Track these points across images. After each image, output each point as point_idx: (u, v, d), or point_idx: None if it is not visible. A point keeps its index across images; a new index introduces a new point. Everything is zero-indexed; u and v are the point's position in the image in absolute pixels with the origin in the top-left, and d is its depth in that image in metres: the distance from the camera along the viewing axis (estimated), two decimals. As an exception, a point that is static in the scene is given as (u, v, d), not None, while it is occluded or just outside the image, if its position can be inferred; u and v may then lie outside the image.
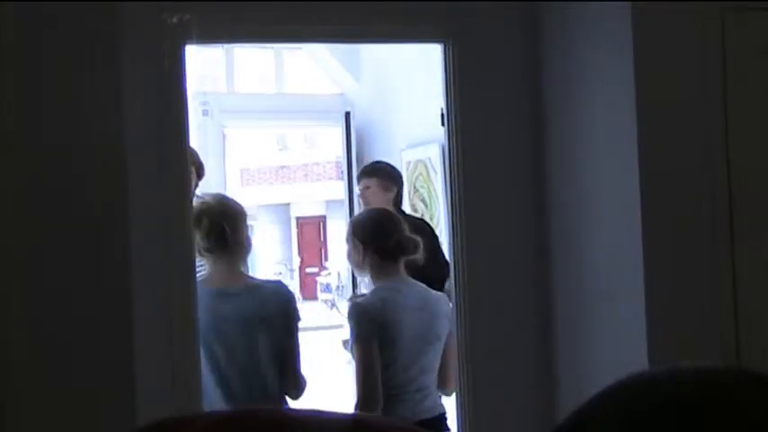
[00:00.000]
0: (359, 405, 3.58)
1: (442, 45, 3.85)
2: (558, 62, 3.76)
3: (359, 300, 3.81)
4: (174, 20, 3.48)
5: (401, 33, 3.96)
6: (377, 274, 3.78)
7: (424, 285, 3.87)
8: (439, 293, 3.98)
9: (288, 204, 27.52)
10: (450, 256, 3.93)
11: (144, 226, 3.31)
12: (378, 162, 5.91)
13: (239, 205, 3.85)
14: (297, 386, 3.67)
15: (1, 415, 3.00)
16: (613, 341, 3.45)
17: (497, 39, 3.83)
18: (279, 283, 4.09)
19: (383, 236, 3.78)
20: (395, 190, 5.34)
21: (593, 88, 3.54)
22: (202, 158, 4.54)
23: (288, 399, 3.69)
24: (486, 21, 3.81)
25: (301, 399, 3.72)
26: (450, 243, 3.96)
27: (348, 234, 3.86)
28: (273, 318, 3.62)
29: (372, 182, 5.32)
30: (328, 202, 24.92)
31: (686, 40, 3.35)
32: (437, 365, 3.80)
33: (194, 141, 5.29)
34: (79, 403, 3.08)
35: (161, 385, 3.33)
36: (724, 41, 3.34)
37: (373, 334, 3.60)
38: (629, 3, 3.30)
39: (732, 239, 3.34)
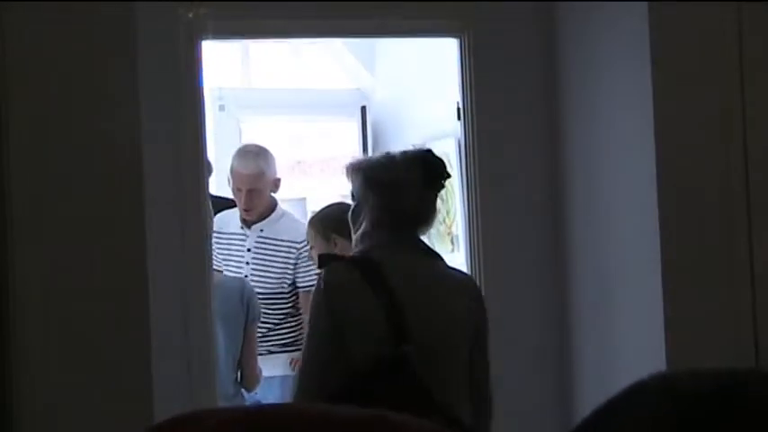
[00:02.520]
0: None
1: (458, 39, 3.84)
2: (574, 55, 3.74)
3: None
4: (190, 15, 3.48)
5: (416, 27, 3.95)
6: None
7: None
8: None
9: (304, 199, 27.54)
10: (465, 250, 3.92)
11: (160, 220, 3.32)
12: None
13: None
14: (250, 381, 3.88)
15: (11, 409, 3.02)
16: (632, 336, 3.44)
17: (513, 33, 3.82)
18: (241, 279, 4.14)
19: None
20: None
21: (610, 81, 3.52)
22: (219, 154, 4.53)
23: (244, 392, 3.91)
24: (501, 15, 3.80)
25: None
26: (465, 238, 3.95)
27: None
28: (230, 313, 3.77)
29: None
30: (344, 197, 24.87)
31: (703, 31, 3.33)
32: None
33: (211, 137, 5.30)
34: (96, 387, 3.09)
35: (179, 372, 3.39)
36: (741, 35, 3.32)
37: None
38: (646, 2, 3.28)
39: (750, 236, 3.32)
